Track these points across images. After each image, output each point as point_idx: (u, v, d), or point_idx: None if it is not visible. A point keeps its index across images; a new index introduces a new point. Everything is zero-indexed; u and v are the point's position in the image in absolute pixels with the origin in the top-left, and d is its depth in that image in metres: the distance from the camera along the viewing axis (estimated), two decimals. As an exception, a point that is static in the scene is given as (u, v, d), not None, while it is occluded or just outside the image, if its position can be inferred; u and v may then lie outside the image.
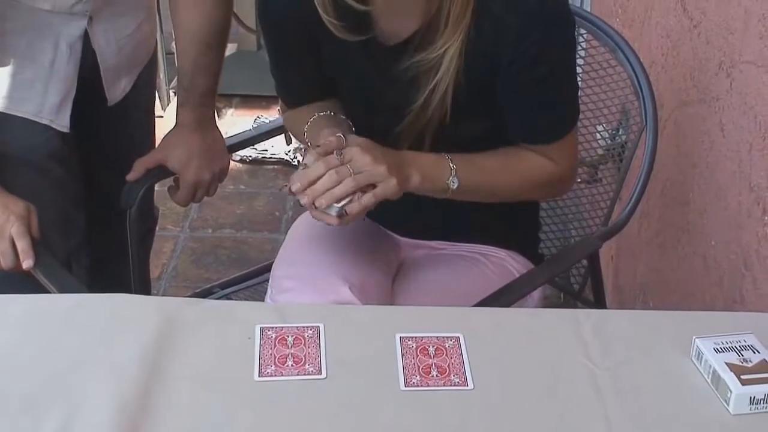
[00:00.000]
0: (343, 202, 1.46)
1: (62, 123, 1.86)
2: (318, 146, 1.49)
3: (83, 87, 1.88)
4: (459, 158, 1.57)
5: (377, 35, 1.57)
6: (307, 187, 1.46)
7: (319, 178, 1.45)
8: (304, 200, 1.47)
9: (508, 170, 1.62)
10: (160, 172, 1.97)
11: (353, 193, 1.45)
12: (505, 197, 1.65)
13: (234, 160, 3.81)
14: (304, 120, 1.69)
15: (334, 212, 1.46)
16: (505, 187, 1.63)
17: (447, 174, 1.55)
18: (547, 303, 1.96)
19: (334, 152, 1.47)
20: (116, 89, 1.97)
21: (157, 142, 2.05)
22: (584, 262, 2.01)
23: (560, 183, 1.71)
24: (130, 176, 1.95)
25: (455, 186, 1.55)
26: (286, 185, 1.51)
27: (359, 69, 1.63)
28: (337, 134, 1.49)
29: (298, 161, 3.65)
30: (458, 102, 1.55)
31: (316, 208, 1.46)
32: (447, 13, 1.49)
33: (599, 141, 2.22)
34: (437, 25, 1.51)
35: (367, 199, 1.46)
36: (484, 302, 1.59)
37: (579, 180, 2.21)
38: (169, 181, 1.99)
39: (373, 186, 1.47)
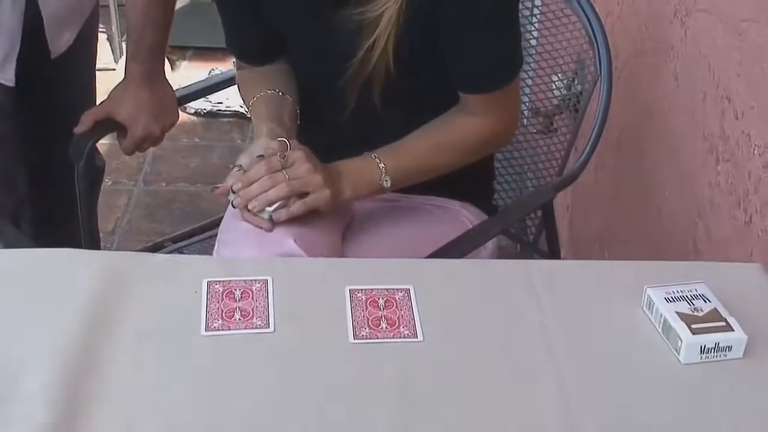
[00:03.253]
0: (274, 206, 1.48)
1: (7, 77, 1.82)
2: (261, 156, 1.50)
3: (25, 40, 1.83)
4: (387, 153, 1.59)
5: None
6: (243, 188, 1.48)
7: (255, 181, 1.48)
8: (236, 201, 1.50)
9: (440, 147, 1.63)
10: (108, 125, 1.93)
11: (286, 198, 1.48)
12: (445, 172, 1.65)
13: (188, 113, 3.77)
14: (252, 91, 1.70)
15: (266, 216, 1.48)
16: (440, 164, 1.65)
17: (377, 175, 1.57)
18: (503, 254, 1.94)
19: (278, 154, 1.49)
20: (59, 41, 1.92)
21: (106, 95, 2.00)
22: (539, 212, 2.00)
23: (499, 137, 1.71)
24: (78, 129, 1.90)
25: (389, 184, 1.58)
26: (217, 187, 1.53)
27: (301, 17, 1.61)
28: (280, 139, 1.52)
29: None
30: (402, 55, 1.53)
31: (248, 210, 1.49)
32: None
33: (554, 91, 2.20)
34: None
35: (297, 207, 1.49)
36: (437, 254, 1.58)
37: (534, 131, 2.20)
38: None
39: (306, 194, 1.49)
